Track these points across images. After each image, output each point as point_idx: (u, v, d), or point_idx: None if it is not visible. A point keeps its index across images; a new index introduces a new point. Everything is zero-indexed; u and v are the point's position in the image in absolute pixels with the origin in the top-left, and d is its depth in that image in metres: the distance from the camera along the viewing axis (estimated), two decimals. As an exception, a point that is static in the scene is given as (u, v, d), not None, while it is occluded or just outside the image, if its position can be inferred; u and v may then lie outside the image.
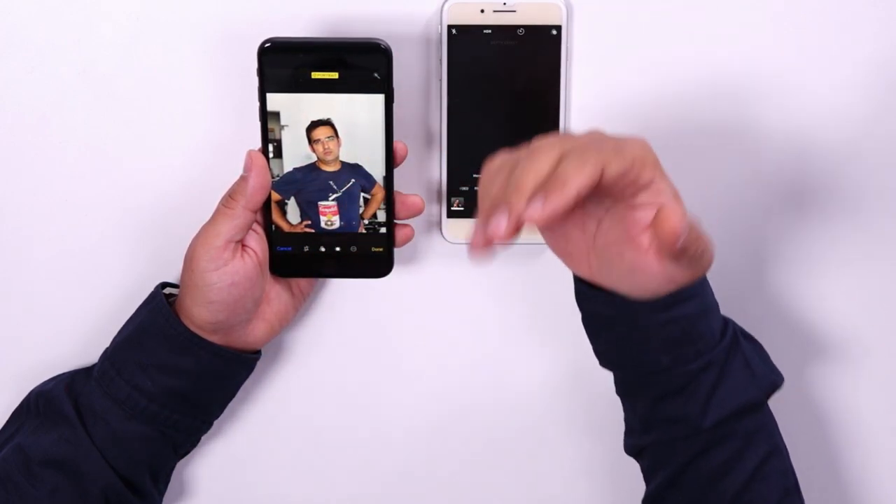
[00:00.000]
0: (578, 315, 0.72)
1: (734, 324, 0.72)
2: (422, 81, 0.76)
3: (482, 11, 0.74)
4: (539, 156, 0.60)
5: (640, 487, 0.75)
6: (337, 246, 0.73)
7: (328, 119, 0.70)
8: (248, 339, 0.75)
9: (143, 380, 0.72)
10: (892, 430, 0.83)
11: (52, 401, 0.74)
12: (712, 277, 0.69)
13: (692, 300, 0.68)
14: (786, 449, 0.72)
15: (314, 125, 0.71)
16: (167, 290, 0.75)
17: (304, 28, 0.75)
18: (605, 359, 0.73)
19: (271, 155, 0.71)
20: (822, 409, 0.83)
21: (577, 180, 0.59)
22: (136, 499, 0.74)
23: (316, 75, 0.69)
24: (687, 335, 0.69)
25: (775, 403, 0.72)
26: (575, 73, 0.76)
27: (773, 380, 0.72)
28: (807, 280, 0.80)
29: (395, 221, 0.73)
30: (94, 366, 0.76)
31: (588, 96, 0.76)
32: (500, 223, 0.59)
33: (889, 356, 0.81)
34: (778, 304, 0.81)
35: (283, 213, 0.73)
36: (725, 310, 0.71)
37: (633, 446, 0.74)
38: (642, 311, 0.68)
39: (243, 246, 0.72)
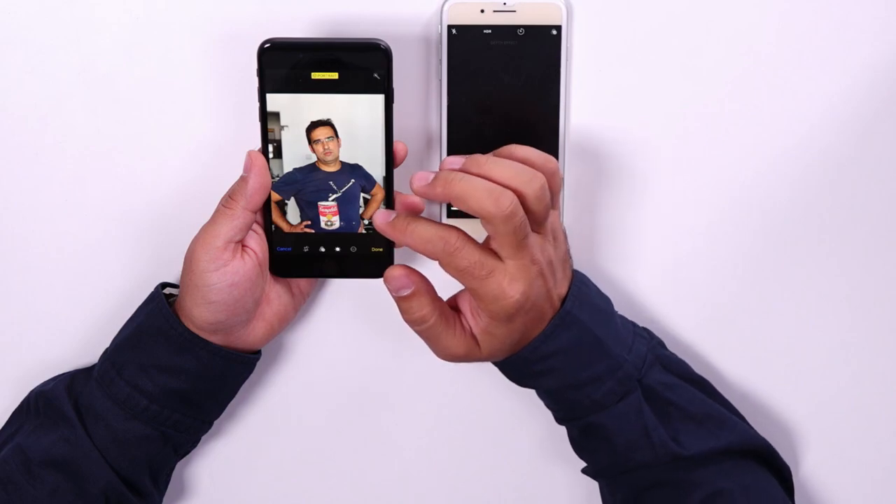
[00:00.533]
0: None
1: (658, 391, 0.73)
2: (422, 81, 0.76)
3: (482, 11, 0.74)
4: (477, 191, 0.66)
5: None
6: (337, 246, 0.73)
7: (328, 119, 0.70)
8: (248, 339, 0.75)
9: (144, 380, 0.72)
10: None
11: (52, 401, 0.74)
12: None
13: (543, 377, 0.72)
14: (753, 492, 0.73)
15: (314, 125, 0.71)
16: (167, 291, 0.75)
17: (304, 28, 0.75)
18: None
19: (271, 155, 0.71)
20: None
21: (416, 240, 0.67)
22: (137, 499, 0.75)
23: (316, 76, 0.69)
24: (558, 399, 0.74)
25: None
26: (575, 73, 0.76)
27: (674, 451, 0.72)
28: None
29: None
30: (94, 366, 0.76)
31: (588, 96, 0.76)
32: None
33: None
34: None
35: (283, 213, 0.73)
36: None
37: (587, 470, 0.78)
38: (511, 378, 0.75)
39: (243, 246, 0.72)
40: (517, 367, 0.73)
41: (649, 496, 0.74)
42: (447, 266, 0.68)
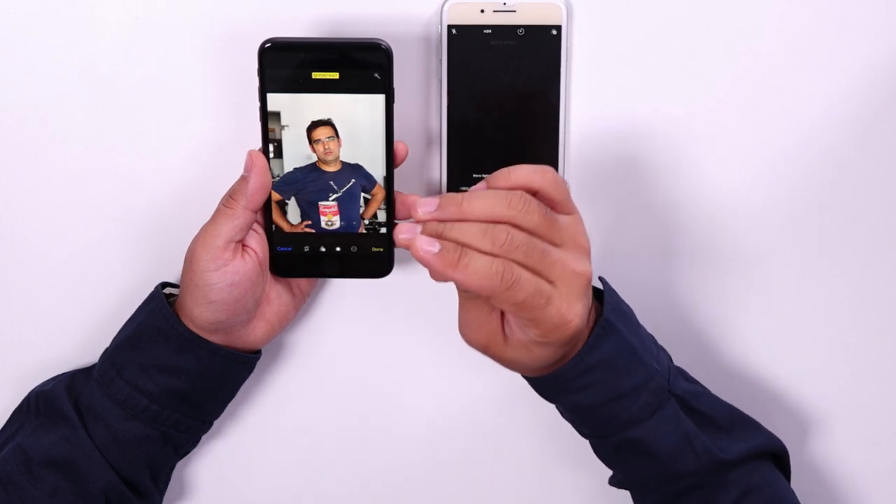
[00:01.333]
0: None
1: (687, 401, 0.72)
2: (422, 81, 0.76)
3: (482, 11, 0.74)
4: (487, 232, 0.64)
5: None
6: (337, 246, 0.73)
7: (328, 119, 0.70)
8: (249, 339, 0.75)
9: (144, 380, 0.72)
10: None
11: (53, 401, 0.74)
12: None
13: (585, 391, 0.70)
14: (777, 486, 0.73)
15: (314, 125, 0.71)
16: (167, 290, 0.75)
17: (304, 28, 0.75)
18: None
19: (272, 155, 0.71)
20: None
21: (468, 277, 0.63)
22: (137, 499, 0.75)
23: (316, 75, 0.69)
24: (592, 416, 0.72)
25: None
26: (575, 73, 0.76)
27: (718, 457, 0.71)
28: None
29: (396, 221, 0.73)
30: (94, 366, 0.76)
31: (588, 96, 0.76)
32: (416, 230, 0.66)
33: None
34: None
35: (284, 213, 0.73)
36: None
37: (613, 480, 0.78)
38: (545, 395, 0.73)
39: (244, 246, 0.72)
40: (558, 383, 0.70)
41: (682, 501, 0.73)
42: (502, 302, 0.64)
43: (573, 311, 0.65)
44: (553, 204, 0.67)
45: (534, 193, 0.67)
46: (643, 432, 0.71)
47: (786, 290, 0.80)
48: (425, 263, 0.64)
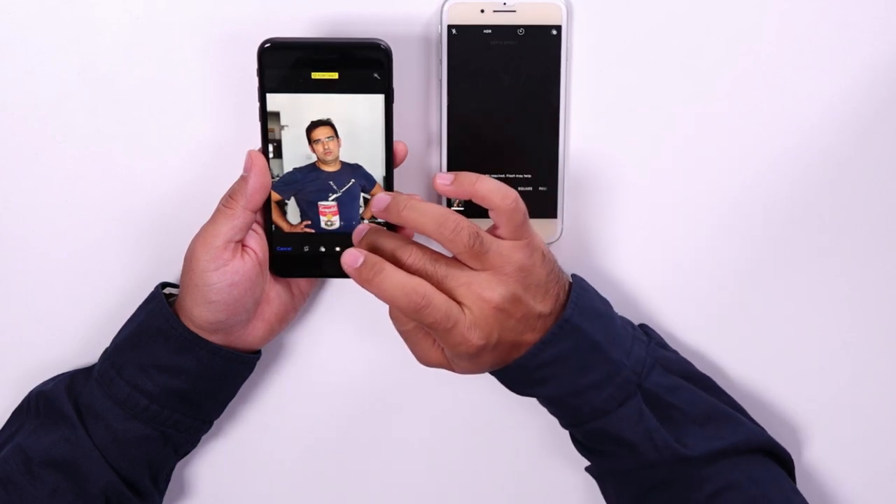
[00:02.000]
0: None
1: (659, 395, 0.72)
2: (422, 81, 0.76)
3: (482, 11, 0.74)
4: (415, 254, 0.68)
5: None
6: (337, 246, 0.73)
7: (328, 119, 0.70)
8: (248, 339, 0.75)
9: (144, 380, 0.72)
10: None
11: (53, 401, 0.74)
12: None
13: (545, 384, 0.72)
14: (764, 484, 0.73)
15: (314, 125, 0.71)
16: (167, 290, 0.75)
17: (304, 28, 0.75)
18: None
19: (271, 155, 0.71)
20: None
21: (382, 293, 0.67)
22: (137, 499, 0.75)
23: (316, 75, 0.70)
24: (559, 406, 0.74)
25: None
26: (575, 73, 0.76)
27: (679, 453, 0.72)
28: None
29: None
30: (93, 366, 0.76)
31: (588, 96, 0.76)
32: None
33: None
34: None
35: (283, 213, 0.73)
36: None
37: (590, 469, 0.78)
38: (510, 387, 0.74)
39: (243, 246, 0.72)
40: (515, 377, 0.72)
41: (657, 494, 0.73)
42: (415, 321, 0.68)
43: (476, 335, 0.68)
44: (501, 227, 0.69)
45: (490, 208, 0.69)
46: (606, 424, 0.72)
47: (785, 291, 0.80)
48: (346, 270, 0.68)
